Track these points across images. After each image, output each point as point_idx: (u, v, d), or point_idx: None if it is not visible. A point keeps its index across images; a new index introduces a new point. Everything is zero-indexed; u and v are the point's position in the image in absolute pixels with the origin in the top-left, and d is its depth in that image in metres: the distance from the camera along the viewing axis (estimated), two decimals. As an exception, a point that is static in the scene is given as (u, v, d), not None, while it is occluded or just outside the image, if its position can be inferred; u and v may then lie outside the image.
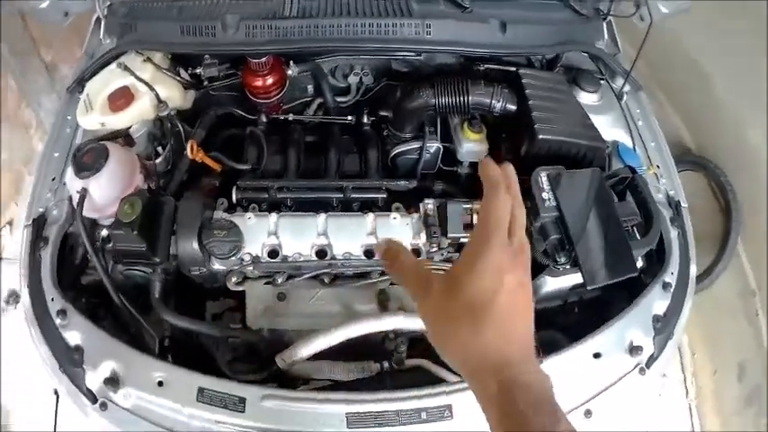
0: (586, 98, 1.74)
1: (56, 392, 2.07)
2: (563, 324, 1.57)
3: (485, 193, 0.70)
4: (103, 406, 1.28)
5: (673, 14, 1.75)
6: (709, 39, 2.58)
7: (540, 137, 1.48)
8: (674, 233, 1.60)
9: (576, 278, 1.41)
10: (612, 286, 1.53)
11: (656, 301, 1.48)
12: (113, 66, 1.65)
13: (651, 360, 1.41)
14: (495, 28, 1.60)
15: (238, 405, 1.23)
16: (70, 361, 1.31)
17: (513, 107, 1.60)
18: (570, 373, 1.34)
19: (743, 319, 2.48)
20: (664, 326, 1.45)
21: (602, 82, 1.80)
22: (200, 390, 1.25)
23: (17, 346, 2.45)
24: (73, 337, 1.34)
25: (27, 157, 2.91)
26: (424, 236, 1.47)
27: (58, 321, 1.35)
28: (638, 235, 1.49)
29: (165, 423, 1.26)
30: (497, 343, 0.65)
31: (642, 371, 1.39)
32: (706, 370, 2.71)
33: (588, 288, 1.34)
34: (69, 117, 1.71)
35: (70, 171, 1.44)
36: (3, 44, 2.65)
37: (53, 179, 1.60)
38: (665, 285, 1.50)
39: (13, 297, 2.62)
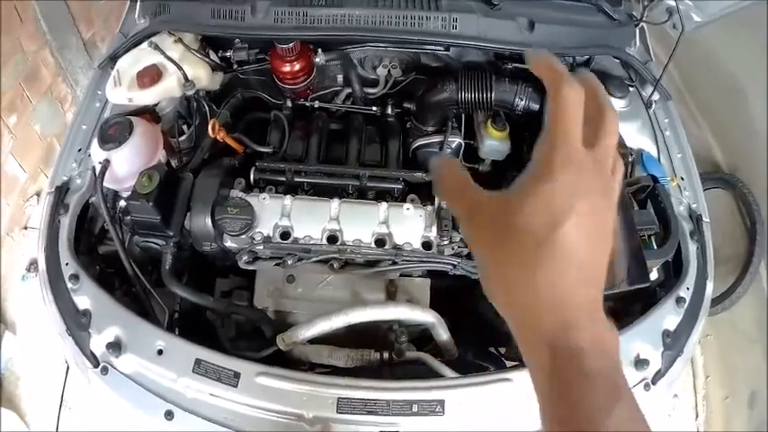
0: (614, 103, 1.70)
1: (66, 362, 2.14)
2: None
3: (547, 89, 0.53)
4: (104, 370, 1.31)
5: (705, 23, 1.72)
6: (746, 54, 2.53)
7: (561, 137, 1.46)
8: (692, 247, 1.56)
9: (586, 283, 1.38)
10: (625, 298, 1.52)
11: (667, 316, 1.44)
12: (145, 44, 1.69)
13: (658, 376, 1.37)
14: (522, 26, 1.59)
15: (232, 379, 1.25)
16: (77, 324, 1.35)
17: (536, 106, 1.60)
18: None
19: (759, 346, 2.42)
20: (673, 342, 1.41)
21: (631, 89, 1.78)
22: (198, 361, 1.27)
23: (35, 315, 2.50)
24: (82, 302, 1.37)
25: (59, 130, 2.97)
26: (435, 229, 1.47)
27: (69, 285, 1.38)
28: (654, 245, 1.46)
29: (161, 391, 1.28)
30: (552, 294, 0.49)
31: (647, 386, 1.36)
32: (718, 395, 2.65)
33: (598, 294, 1.31)
34: (99, 92, 1.75)
35: (95, 142, 1.48)
36: (42, 20, 2.71)
37: (79, 150, 1.64)
38: (679, 300, 1.46)
39: (35, 265, 2.67)
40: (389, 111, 1.84)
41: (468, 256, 1.47)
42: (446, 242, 1.46)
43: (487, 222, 0.52)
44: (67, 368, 2.38)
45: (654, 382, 1.37)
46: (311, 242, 1.45)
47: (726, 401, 2.59)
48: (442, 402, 1.23)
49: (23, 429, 2.39)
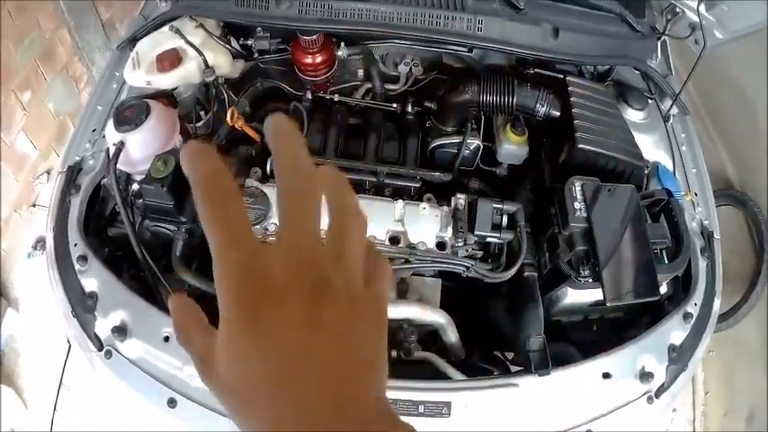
0: (632, 115, 1.72)
1: (68, 341, 2.14)
2: (579, 340, 1.55)
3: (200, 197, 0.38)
4: (108, 354, 1.30)
5: (727, 41, 1.71)
6: (763, 74, 2.51)
7: (580, 146, 1.46)
8: (702, 263, 1.56)
9: (597, 294, 1.38)
10: (634, 310, 1.52)
11: (674, 331, 1.44)
12: (165, 28, 1.69)
13: (661, 390, 1.38)
14: (547, 32, 1.58)
15: None
16: (83, 306, 1.34)
17: (556, 113, 1.60)
18: (576, 390, 1.32)
19: (760, 365, 2.41)
20: (679, 356, 1.42)
21: (650, 101, 1.78)
22: None
23: (39, 293, 2.50)
24: (89, 284, 1.36)
25: (73, 109, 2.96)
26: (450, 230, 1.46)
27: (77, 266, 1.38)
28: (665, 259, 1.46)
29: (165, 378, 1.27)
30: None
31: (650, 399, 1.37)
32: (717, 411, 2.64)
33: (607, 305, 1.31)
34: (117, 73, 1.74)
35: (110, 124, 1.46)
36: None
37: (93, 130, 1.63)
38: (686, 316, 1.47)
39: (41, 243, 2.68)
40: (409, 109, 1.83)
41: (482, 259, 1.47)
42: (460, 244, 1.44)
43: (215, 379, 0.39)
44: (68, 349, 2.38)
45: (657, 395, 1.38)
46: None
47: (724, 418, 2.58)
48: (448, 404, 1.23)
49: (21, 406, 2.39)
